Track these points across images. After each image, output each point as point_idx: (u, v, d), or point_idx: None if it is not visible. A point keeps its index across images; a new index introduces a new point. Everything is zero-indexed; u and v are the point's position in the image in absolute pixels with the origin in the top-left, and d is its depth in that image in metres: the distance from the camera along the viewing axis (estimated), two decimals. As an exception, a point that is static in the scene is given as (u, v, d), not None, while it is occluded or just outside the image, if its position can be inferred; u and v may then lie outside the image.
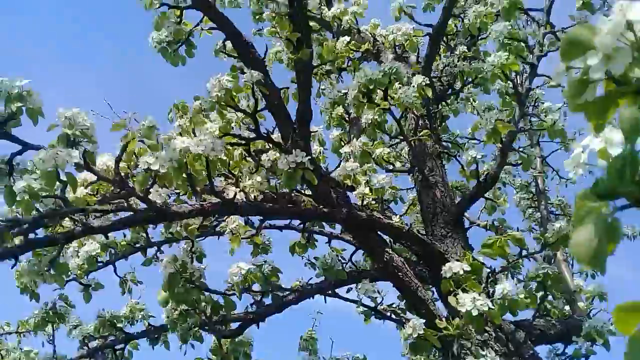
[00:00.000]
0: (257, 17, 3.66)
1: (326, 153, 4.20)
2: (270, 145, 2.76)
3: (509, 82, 2.86)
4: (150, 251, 3.29)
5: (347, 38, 3.96)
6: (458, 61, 3.65)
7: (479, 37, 3.73)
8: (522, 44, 2.97)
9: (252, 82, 2.56)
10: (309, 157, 2.36)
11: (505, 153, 2.84)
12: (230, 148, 2.81)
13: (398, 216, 2.97)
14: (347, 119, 4.42)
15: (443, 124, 3.82)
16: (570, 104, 0.91)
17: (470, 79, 3.46)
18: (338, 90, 4.05)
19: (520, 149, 2.88)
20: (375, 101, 3.19)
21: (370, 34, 3.99)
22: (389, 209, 3.42)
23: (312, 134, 3.01)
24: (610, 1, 2.93)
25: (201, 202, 2.27)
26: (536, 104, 3.43)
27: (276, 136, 2.78)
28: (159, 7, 2.65)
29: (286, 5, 2.51)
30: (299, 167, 2.37)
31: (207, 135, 2.26)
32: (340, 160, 3.18)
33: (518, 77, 2.87)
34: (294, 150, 2.39)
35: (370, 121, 3.24)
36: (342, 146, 3.93)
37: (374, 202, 3.11)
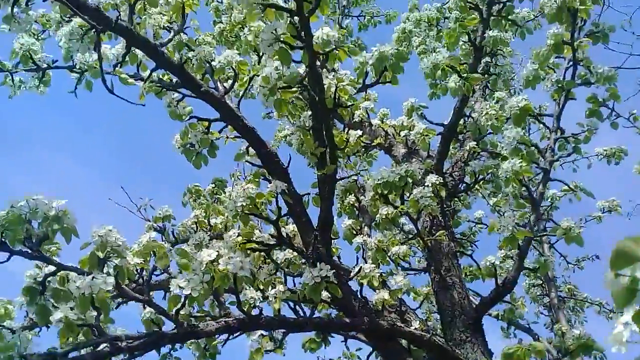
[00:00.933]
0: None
1: (338, 242, 4.24)
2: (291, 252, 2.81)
3: (523, 187, 2.94)
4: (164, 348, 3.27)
5: (359, 132, 4.10)
6: (468, 157, 3.76)
7: (489, 133, 3.85)
8: (534, 149, 3.08)
9: (277, 192, 2.63)
10: (334, 271, 2.40)
11: (522, 257, 2.89)
12: (252, 253, 2.85)
13: (419, 322, 2.97)
14: (358, 206, 4.49)
15: (455, 216, 3.89)
16: (616, 308, 0.97)
17: (481, 177, 3.55)
18: (349, 179, 4.13)
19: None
20: (392, 201, 3.28)
21: (382, 128, 4.12)
22: (405, 306, 3.42)
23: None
24: (618, 111, 3.07)
25: (226, 319, 2.28)
26: (552, 205, 3.51)
27: (297, 242, 2.83)
28: (188, 119, 2.76)
29: (309, 119, 2.62)
30: (324, 280, 2.40)
31: (236, 252, 2.30)
32: (358, 264, 3.22)
33: (531, 181, 2.95)
34: (318, 263, 2.43)
35: (385, 216, 3.31)
36: (354, 235, 3.98)
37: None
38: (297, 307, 2.76)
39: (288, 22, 1.93)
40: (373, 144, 4.08)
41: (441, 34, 5.18)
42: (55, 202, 2.14)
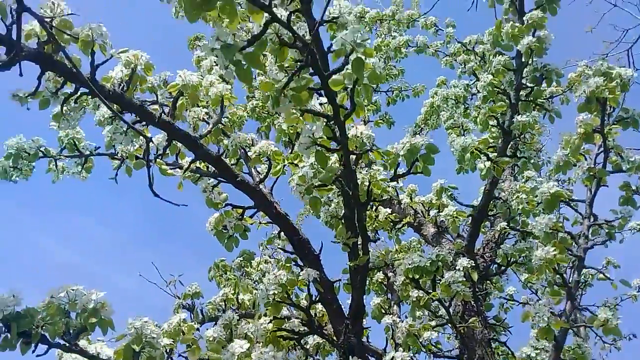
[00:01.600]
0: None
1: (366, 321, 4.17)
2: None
3: (557, 275, 2.89)
4: None
5: (389, 210, 4.13)
6: (499, 238, 3.73)
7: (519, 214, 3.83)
8: (568, 236, 3.05)
9: (309, 280, 2.65)
10: (366, 365, 2.36)
11: (559, 349, 2.80)
12: (283, 342, 2.83)
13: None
14: (386, 284, 4.45)
15: (487, 299, 3.82)
16: None
17: (514, 259, 3.51)
18: (377, 255, 4.11)
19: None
20: (423, 285, 3.25)
21: (411, 206, 4.14)
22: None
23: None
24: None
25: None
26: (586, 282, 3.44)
27: (328, 329, 2.81)
28: (223, 207, 2.83)
29: (342, 207, 2.67)
30: (356, 373, 2.37)
31: (267, 342, 2.30)
32: (388, 346, 3.17)
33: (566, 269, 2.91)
34: (350, 357, 2.40)
35: (416, 300, 3.27)
36: (383, 314, 3.92)
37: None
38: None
39: (324, 124, 2.01)
40: (402, 222, 4.09)
41: (468, 111, 5.28)
42: (95, 294, 2.19)
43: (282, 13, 1.74)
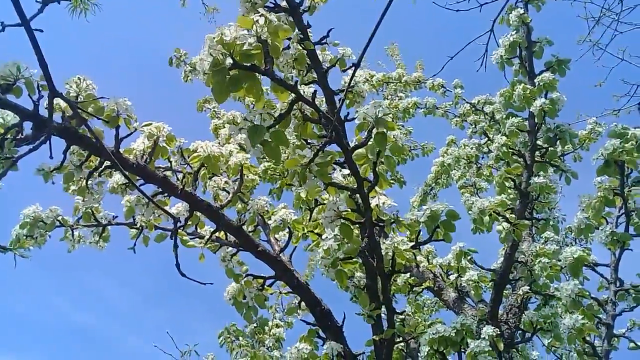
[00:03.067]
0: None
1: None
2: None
3: (587, 345, 2.80)
4: None
5: (407, 274, 4.06)
6: (522, 303, 3.64)
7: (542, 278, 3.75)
8: (595, 303, 2.97)
9: (333, 355, 2.57)
10: None
11: None
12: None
13: None
14: (406, 351, 4.31)
15: (513, 367, 3.68)
16: None
17: (539, 327, 3.41)
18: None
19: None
20: (447, 356, 3.15)
21: (430, 270, 4.07)
22: None
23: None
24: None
25: None
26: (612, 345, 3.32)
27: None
28: (244, 278, 2.79)
29: (364, 277, 2.62)
30: None
31: None
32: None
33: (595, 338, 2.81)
34: None
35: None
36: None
37: None
38: None
39: (348, 196, 2.00)
40: (422, 287, 4.02)
41: (481, 170, 5.29)
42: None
43: (306, 91, 1.77)
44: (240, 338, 4.75)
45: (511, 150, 3.70)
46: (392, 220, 2.09)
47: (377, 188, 2.20)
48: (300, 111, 1.81)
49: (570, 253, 2.99)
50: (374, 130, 1.78)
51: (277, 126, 1.64)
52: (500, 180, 3.61)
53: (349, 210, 2.02)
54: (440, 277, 4.08)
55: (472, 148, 5.11)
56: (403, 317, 2.74)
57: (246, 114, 1.59)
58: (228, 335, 4.75)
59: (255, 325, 4.77)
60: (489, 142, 4.93)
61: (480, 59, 4.22)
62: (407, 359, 4.27)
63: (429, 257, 4.29)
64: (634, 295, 3.12)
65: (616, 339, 4.34)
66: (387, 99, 5.92)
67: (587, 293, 2.89)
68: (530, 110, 3.55)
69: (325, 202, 2.52)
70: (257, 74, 1.59)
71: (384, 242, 2.23)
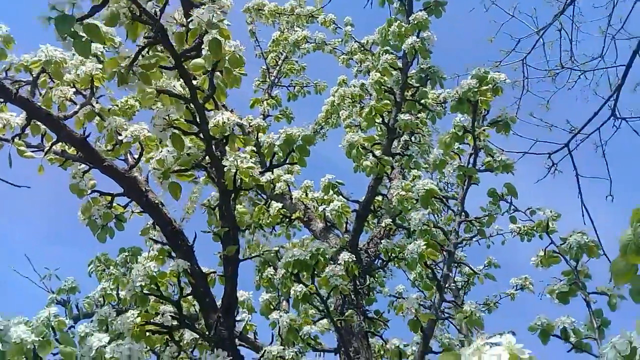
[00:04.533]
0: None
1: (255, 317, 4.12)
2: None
3: (428, 269, 3.00)
4: None
5: (280, 205, 4.11)
6: (383, 234, 3.83)
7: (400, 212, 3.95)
8: (440, 232, 3.17)
9: (179, 272, 2.57)
10: (230, 358, 2.32)
11: (427, 340, 2.91)
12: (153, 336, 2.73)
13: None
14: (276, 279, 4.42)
15: (370, 294, 3.90)
16: None
17: (394, 255, 3.61)
18: (268, 250, 4.09)
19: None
20: (303, 279, 3.26)
21: (302, 202, 4.15)
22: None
23: (238, 321, 2.98)
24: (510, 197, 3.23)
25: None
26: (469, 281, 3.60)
27: (201, 324, 2.74)
28: (90, 194, 2.68)
29: (216, 199, 2.61)
30: (221, 366, 2.32)
31: (126, 340, 2.20)
32: (274, 342, 3.15)
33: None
34: (215, 349, 2.35)
35: (299, 294, 3.28)
36: (272, 310, 3.90)
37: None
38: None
39: (185, 107, 1.94)
40: (292, 217, 4.10)
41: (363, 110, 5.39)
42: None
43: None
44: (111, 267, 4.64)
45: (383, 87, 3.78)
46: (228, 133, 2.05)
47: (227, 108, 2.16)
48: (130, 10, 1.70)
49: (422, 185, 3.14)
50: (206, 37, 1.72)
51: (90, 19, 1.53)
52: (370, 115, 3.69)
53: (182, 120, 1.96)
54: (312, 209, 4.18)
55: (356, 87, 5.17)
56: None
57: (55, 1, 1.46)
58: (99, 264, 4.62)
59: (127, 254, 4.67)
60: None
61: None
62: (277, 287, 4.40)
63: (307, 191, 4.37)
64: (478, 227, 3.37)
65: (473, 274, 4.73)
66: (282, 32, 5.83)
67: (433, 221, 3.07)
68: (403, 48, 3.62)
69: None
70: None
71: (227, 159, 2.20)
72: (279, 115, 5.83)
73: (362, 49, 5.23)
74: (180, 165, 2.13)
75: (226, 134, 2.03)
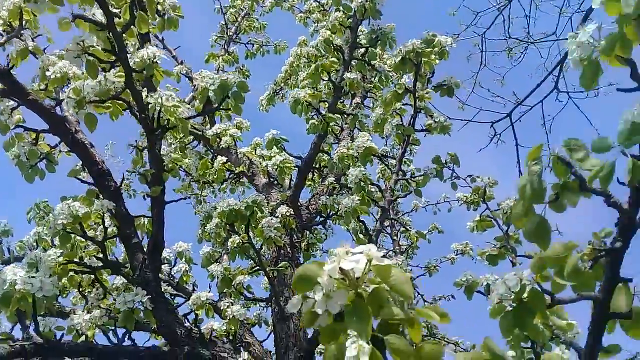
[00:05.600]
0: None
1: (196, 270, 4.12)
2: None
3: (360, 223, 3.04)
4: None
5: (225, 158, 4.09)
6: (326, 192, 3.86)
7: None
8: (376, 188, 3.21)
9: (103, 212, 2.54)
10: (150, 297, 2.32)
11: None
12: (76, 276, 2.71)
13: (248, 354, 2.94)
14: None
15: (310, 250, 3.94)
16: (305, 324, 1.02)
17: (333, 212, 3.65)
18: (214, 206, 4.07)
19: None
20: (238, 231, 3.28)
21: (247, 157, 4.13)
22: (252, 337, 3.38)
23: (163, 264, 2.98)
24: (452, 166, 3.29)
25: (23, 343, 2.13)
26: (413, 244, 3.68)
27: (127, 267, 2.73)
28: (14, 129, 2.60)
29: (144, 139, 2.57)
30: (138, 306, 2.32)
31: (40, 272, 2.17)
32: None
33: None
34: (135, 288, 2.35)
35: (235, 245, 3.30)
36: (212, 263, 3.91)
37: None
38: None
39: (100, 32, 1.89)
40: (236, 171, 4.08)
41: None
42: None
43: None
44: (51, 215, 4.55)
45: (332, 45, 3.75)
46: (147, 65, 2.00)
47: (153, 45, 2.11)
48: None
49: (361, 143, 3.16)
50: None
51: None
52: (316, 72, 3.67)
53: (99, 48, 1.91)
54: (257, 165, 4.16)
55: (313, 48, 5.11)
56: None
57: None
58: (38, 212, 4.53)
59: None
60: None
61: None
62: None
63: (256, 149, 4.35)
64: (415, 187, 3.42)
65: (416, 238, 4.82)
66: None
67: (369, 178, 3.10)
68: (352, 6, 3.59)
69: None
70: None
71: (151, 96, 2.16)
72: (235, 72, 5.73)
73: (322, 9, 5.16)
74: (98, 96, 2.08)
75: (148, 65, 1.98)
